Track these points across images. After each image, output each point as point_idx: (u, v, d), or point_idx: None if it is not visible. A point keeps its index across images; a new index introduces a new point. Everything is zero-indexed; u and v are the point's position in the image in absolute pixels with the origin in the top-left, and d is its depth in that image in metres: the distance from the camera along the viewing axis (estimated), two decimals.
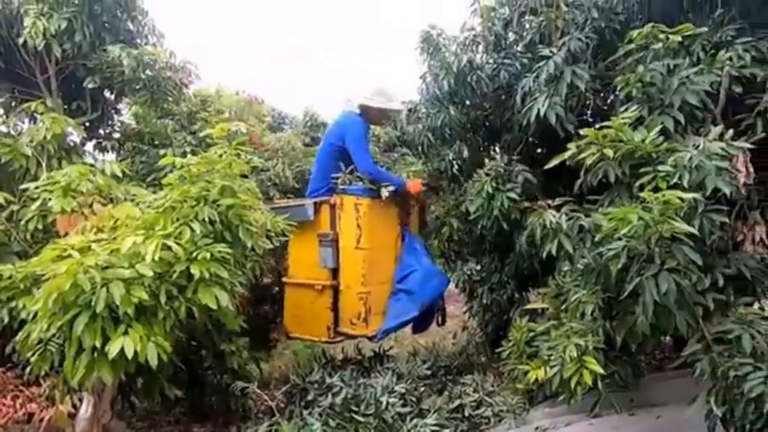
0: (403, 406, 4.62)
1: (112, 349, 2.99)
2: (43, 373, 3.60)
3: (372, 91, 6.07)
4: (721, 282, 3.59)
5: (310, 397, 4.97)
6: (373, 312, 5.69)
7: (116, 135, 6.57)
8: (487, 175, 4.66)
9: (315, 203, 5.81)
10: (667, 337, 5.78)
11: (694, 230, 3.19)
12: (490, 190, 4.58)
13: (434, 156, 6.06)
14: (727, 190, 3.36)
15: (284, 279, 6.39)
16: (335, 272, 5.78)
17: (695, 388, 3.65)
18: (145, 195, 4.01)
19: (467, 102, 5.66)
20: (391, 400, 4.60)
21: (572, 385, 3.66)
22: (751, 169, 3.64)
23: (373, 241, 5.71)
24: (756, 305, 4.04)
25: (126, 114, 7.05)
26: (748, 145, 3.63)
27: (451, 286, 8.14)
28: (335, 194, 5.76)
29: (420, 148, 5.91)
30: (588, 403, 4.88)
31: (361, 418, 4.38)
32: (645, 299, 3.28)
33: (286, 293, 6.29)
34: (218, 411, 5.66)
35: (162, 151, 5.97)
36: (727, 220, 3.52)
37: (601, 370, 3.58)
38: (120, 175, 4.33)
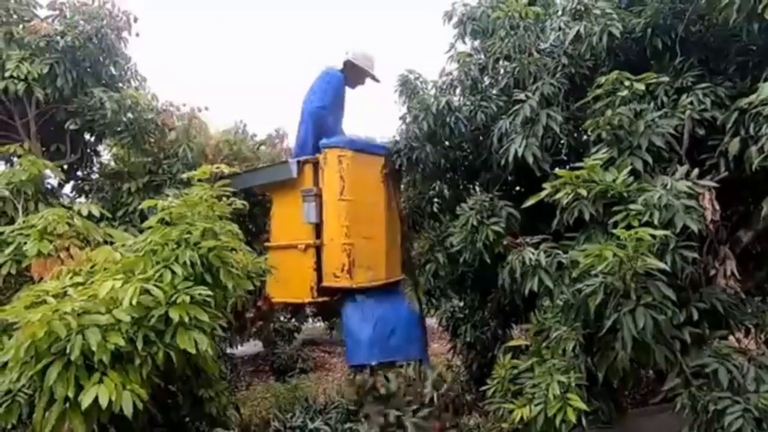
0: None
1: (86, 399, 2.88)
2: (9, 426, 3.44)
3: (357, 52, 6.23)
4: (696, 316, 3.68)
5: None
6: (356, 265, 5.64)
7: (95, 176, 6.50)
8: (472, 209, 4.75)
9: (298, 161, 5.85)
10: (650, 372, 5.84)
11: (666, 266, 3.29)
12: (475, 223, 4.66)
13: (415, 195, 6.18)
14: (695, 227, 3.49)
15: (266, 244, 6.35)
16: (318, 231, 5.78)
17: (678, 422, 3.67)
18: (125, 238, 3.97)
19: (446, 142, 5.82)
20: None
21: (557, 423, 3.64)
22: (717, 206, 3.80)
23: (356, 193, 5.72)
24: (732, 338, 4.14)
25: (106, 155, 7.03)
26: (713, 184, 3.80)
27: (434, 322, 8.13)
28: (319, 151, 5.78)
29: (402, 186, 6.02)
30: None
31: None
32: (623, 334, 3.34)
33: (269, 258, 6.21)
34: None
35: (127, 185, 5.95)
36: (697, 255, 3.64)
37: (584, 407, 3.58)
38: (97, 215, 4.28)
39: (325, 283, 5.72)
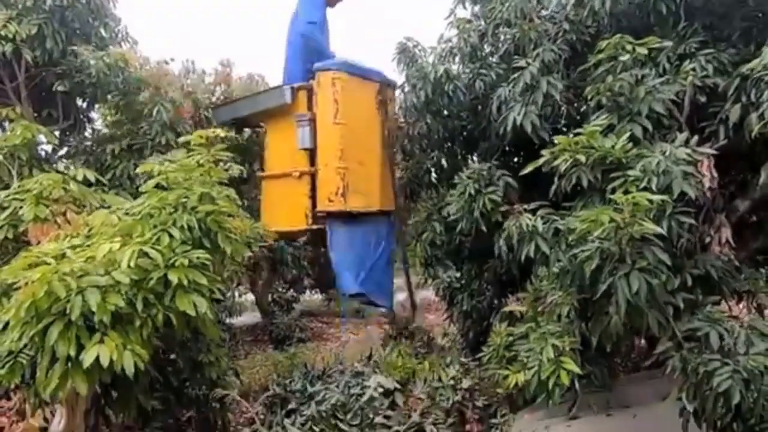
0: (387, 418, 4.61)
1: (87, 358, 2.93)
2: (13, 386, 3.49)
3: None
4: (689, 282, 3.72)
5: (291, 407, 4.92)
6: (350, 189, 5.68)
7: (88, 143, 6.42)
8: (469, 178, 4.75)
9: (292, 87, 5.82)
10: (642, 341, 5.94)
11: (662, 231, 3.30)
12: (473, 192, 4.66)
13: (413, 164, 6.15)
14: (692, 193, 3.50)
15: (260, 173, 6.35)
16: (313, 158, 5.79)
17: (668, 386, 3.75)
18: (120, 202, 3.96)
19: (444, 112, 5.76)
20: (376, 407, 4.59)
21: (550, 386, 3.71)
22: (715, 174, 3.80)
23: (350, 117, 5.71)
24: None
25: (99, 123, 6.93)
26: (712, 151, 3.79)
27: (431, 294, 8.21)
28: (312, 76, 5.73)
29: (401, 156, 5.99)
30: (566, 406, 4.97)
31: (345, 427, 4.35)
32: (618, 298, 3.37)
33: (263, 187, 6.24)
34: (197, 424, 5.55)
35: (110, 147, 5.83)
36: (693, 221, 3.66)
37: (578, 370, 3.64)
38: (92, 180, 4.26)
39: (319, 209, 5.74)
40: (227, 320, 8.74)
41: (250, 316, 10.99)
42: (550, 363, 3.70)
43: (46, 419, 3.73)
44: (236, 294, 9.59)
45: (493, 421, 5.05)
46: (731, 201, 4.36)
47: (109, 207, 3.98)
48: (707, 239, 4.03)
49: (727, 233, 4.00)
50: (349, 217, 5.85)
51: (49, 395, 3.19)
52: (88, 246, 3.32)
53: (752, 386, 3.21)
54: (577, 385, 3.77)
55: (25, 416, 3.64)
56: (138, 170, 4.00)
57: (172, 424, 5.61)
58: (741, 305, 4.54)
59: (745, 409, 3.19)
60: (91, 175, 4.31)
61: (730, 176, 4.40)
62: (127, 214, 3.62)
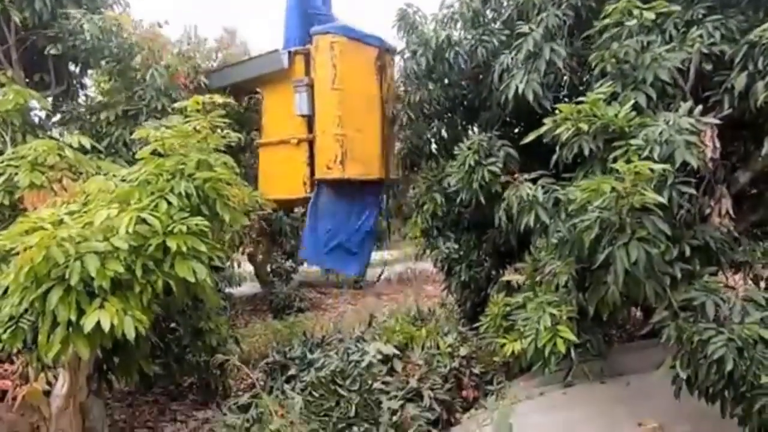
0: (385, 383, 4.68)
1: (88, 323, 2.94)
2: (15, 350, 3.52)
3: None
4: (687, 252, 3.73)
5: (291, 373, 5.00)
6: (349, 157, 5.63)
7: (82, 109, 6.30)
8: (469, 149, 4.70)
9: (289, 51, 5.73)
10: (638, 313, 6.01)
11: (663, 200, 3.29)
12: (472, 163, 4.63)
13: (413, 134, 6.08)
14: (695, 163, 3.47)
15: (257, 141, 6.29)
16: (311, 125, 5.71)
17: (662, 355, 3.81)
18: (116, 169, 3.91)
19: (445, 80, 5.66)
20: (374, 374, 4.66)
21: (546, 354, 3.77)
22: (718, 144, 3.76)
23: (349, 83, 5.61)
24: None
25: (93, 90, 6.78)
26: (716, 121, 3.74)
27: (429, 266, 8.25)
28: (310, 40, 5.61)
29: (399, 125, 5.91)
30: (561, 375, 5.07)
31: (344, 393, 4.43)
32: (616, 267, 3.39)
33: (261, 155, 6.18)
34: (198, 390, 5.66)
35: (105, 114, 5.69)
36: (694, 191, 3.64)
37: (574, 338, 3.69)
38: (87, 146, 4.20)
39: (317, 176, 5.70)
40: (227, 290, 8.80)
41: (250, 287, 11.08)
42: (547, 331, 3.74)
43: (49, 383, 3.77)
44: (235, 264, 9.63)
45: (489, 387, 5.15)
46: (732, 172, 4.33)
47: (105, 174, 3.94)
48: (707, 210, 4.03)
49: (727, 204, 3.99)
50: (336, 185, 5.79)
51: (52, 359, 3.22)
52: (86, 212, 3.29)
53: (745, 354, 3.26)
54: (573, 353, 3.82)
55: (28, 380, 3.68)
56: (134, 135, 3.93)
57: (174, 390, 5.74)
58: (738, 276, 4.58)
59: (737, 376, 3.24)
60: (87, 142, 4.25)
61: (732, 147, 4.35)
62: (123, 180, 3.58)
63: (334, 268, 6.15)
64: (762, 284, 4.37)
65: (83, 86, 6.65)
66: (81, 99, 6.54)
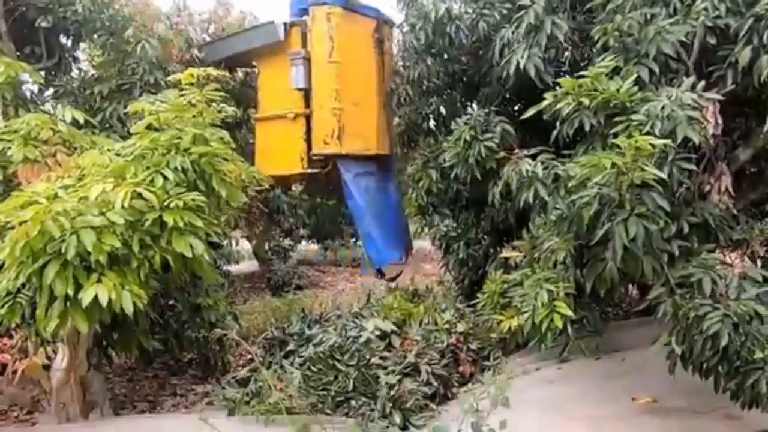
0: (383, 359, 4.72)
1: (86, 297, 2.94)
2: (14, 325, 3.53)
3: None
4: (686, 229, 3.72)
5: (290, 348, 5.04)
6: (346, 132, 5.57)
7: (75, 84, 6.17)
8: (466, 124, 4.65)
9: (285, 23, 5.62)
10: (634, 291, 6.04)
11: (664, 176, 3.26)
12: (468, 138, 4.59)
13: (411, 111, 6.01)
14: (696, 139, 3.43)
15: (254, 116, 6.21)
16: (308, 99, 5.63)
17: (658, 332, 3.84)
18: (112, 144, 3.86)
19: (445, 55, 5.57)
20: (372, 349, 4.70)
21: (543, 330, 3.79)
22: (720, 120, 3.72)
23: (346, 55, 5.52)
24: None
25: (86, 64, 6.64)
26: (719, 97, 3.69)
27: (427, 244, 8.26)
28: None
29: (397, 100, 5.84)
30: (558, 350, 5.13)
31: (342, 367, 4.47)
32: (614, 244, 3.38)
33: (257, 130, 6.10)
34: (197, 365, 5.72)
35: (98, 88, 5.55)
36: (695, 168, 3.61)
37: (571, 314, 3.70)
38: (81, 121, 4.14)
39: (314, 151, 5.63)
40: (225, 267, 8.82)
41: (248, 265, 11.12)
42: (544, 307, 3.75)
43: (48, 357, 3.81)
44: (234, 242, 9.63)
45: (486, 363, 5.21)
46: (733, 149, 4.30)
47: (100, 149, 3.89)
48: (707, 187, 4.00)
49: (727, 182, 3.96)
50: (353, 169, 5.69)
51: (50, 334, 3.23)
52: (80, 187, 3.26)
53: (740, 330, 3.28)
54: (569, 329, 3.84)
55: (27, 354, 3.71)
56: (128, 109, 3.87)
57: (173, 365, 5.79)
58: (735, 254, 4.59)
59: (731, 351, 3.27)
60: (80, 116, 4.18)
61: (734, 123, 4.32)
62: (118, 155, 3.54)
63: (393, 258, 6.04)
64: (758, 262, 4.38)
65: (75, 59, 6.51)
66: (74, 73, 6.41)
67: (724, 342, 3.22)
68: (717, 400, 3.62)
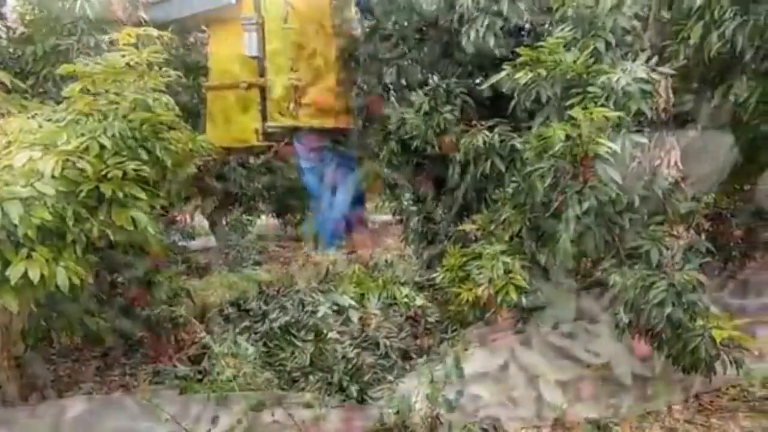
0: (341, 333, 4.68)
1: (15, 274, 2.73)
2: None
3: None
4: (637, 203, 3.81)
5: (245, 324, 4.93)
6: (302, 104, 5.29)
7: (3, 43, 5.59)
8: (426, 95, 4.56)
9: None
10: (588, 263, 6.21)
11: (617, 148, 3.30)
12: (428, 109, 4.51)
13: (371, 81, 5.84)
14: (648, 112, 3.49)
15: (204, 84, 5.86)
16: (262, 68, 5.33)
17: (608, 302, 3.97)
18: (43, 108, 3.56)
19: (405, 23, 5.40)
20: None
21: (499, 301, 3.84)
22: (672, 95, 3.79)
23: (302, 21, 5.21)
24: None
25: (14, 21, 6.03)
26: (671, 71, 3.74)
27: (388, 218, 8.22)
28: None
29: (356, 70, 5.66)
30: (512, 322, 5.23)
31: (299, 343, 4.41)
32: (568, 215, 3.42)
33: (208, 99, 5.75)
34: (149, 344, 5.51)
35: (31, 48, 5.02)
36: (647, 141, 3.67)
37: (526, 285, 3.76)
38: (8, 84, 3.78)
39: (269, 123, 5.38)
40: (180, 243, 8.50)
41: (205, 240, 10.78)
42: (500, 279, 3.79)
43: None
44: (187, 217, 9.28)
45: (444, 336, 5.26)
46: (683, 125, 4.41)
47: (30, 114, 3.57)
48: (657, 161, 4.10)
49: (676, 156, 4.06)
50: (306, 142, 5.48)
51: None
52: (6, 155, 2.99)
53: (683, 298, 3.42)
54: (524, 300, 3.91)
55: None
56: (59, 71, 3.56)
57: (124, 344, 5.56)
58: (681, 227, 4.75)
59: (675, 319, 3.41)
60: (7, 79, 3.82)
61: (684, 99, 4.41)
62: (49, 120, 3.26)
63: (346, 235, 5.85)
64: (703, 235, 4.56)
65: (2, 16, 5.92)
66: (1, 31, 5.84)
67: (668, 310, 3.34)
68: (661, 365, 3.78)
